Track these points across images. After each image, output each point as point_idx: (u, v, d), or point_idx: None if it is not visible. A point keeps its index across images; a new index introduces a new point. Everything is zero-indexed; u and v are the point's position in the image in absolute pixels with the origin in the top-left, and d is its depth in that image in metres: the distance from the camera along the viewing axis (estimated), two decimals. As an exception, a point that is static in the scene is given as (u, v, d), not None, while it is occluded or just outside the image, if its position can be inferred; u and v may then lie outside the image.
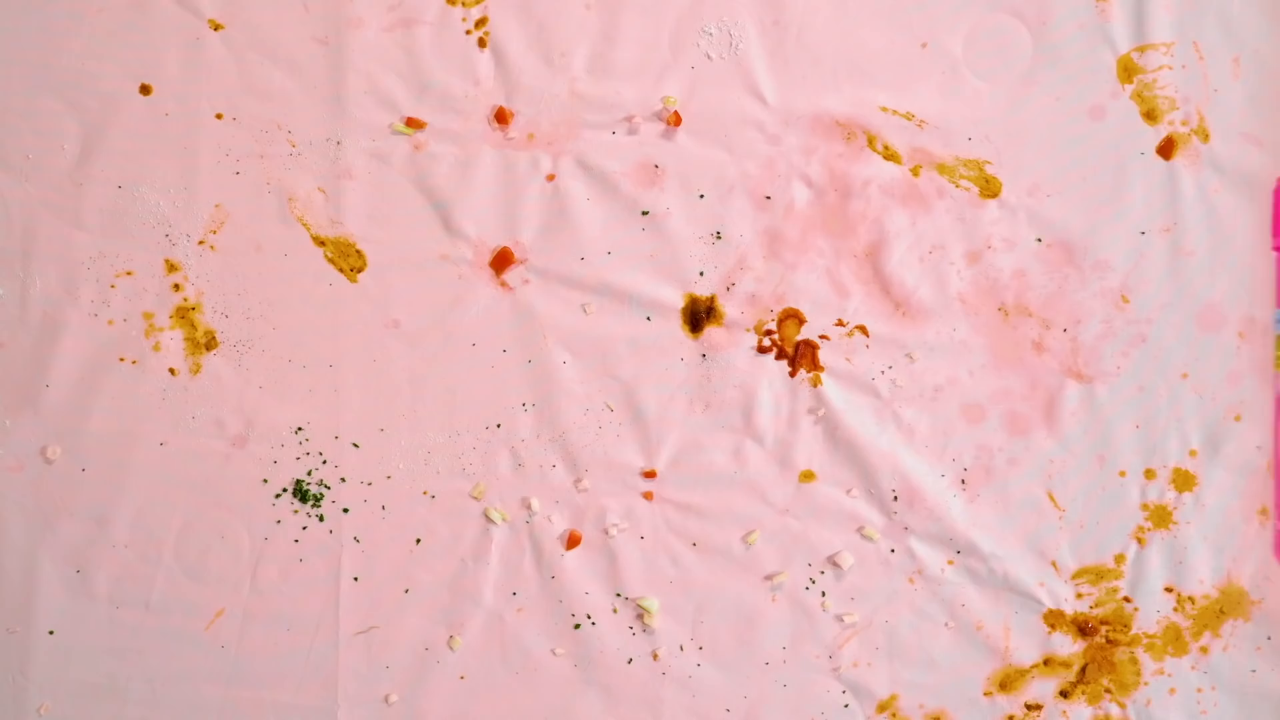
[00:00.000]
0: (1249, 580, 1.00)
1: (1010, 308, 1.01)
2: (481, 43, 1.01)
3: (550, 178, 1.01)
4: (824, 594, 1.00)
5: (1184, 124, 1.01)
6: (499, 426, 1.00)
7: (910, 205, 1.01)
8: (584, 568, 1.00)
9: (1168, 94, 1.00)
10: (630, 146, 1.01)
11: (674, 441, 1.00)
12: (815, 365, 1.00)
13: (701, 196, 1.01)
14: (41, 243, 1.00)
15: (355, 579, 1.00)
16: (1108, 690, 1.00)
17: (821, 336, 1.01)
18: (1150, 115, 1.01)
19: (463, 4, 1.01)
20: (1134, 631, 1.00)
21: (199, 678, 1.00)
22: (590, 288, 1.01)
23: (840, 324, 1.01)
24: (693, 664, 1.00)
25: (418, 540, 1.00)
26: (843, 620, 1.00)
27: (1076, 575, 1.00)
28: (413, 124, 1.00)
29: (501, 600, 1.00)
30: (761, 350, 1.01)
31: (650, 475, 1.00)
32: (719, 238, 1.01)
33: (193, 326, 1.00)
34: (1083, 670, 1.00)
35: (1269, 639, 1.00)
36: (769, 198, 1.01)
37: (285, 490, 1.00)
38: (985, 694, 1.00)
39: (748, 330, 1.01)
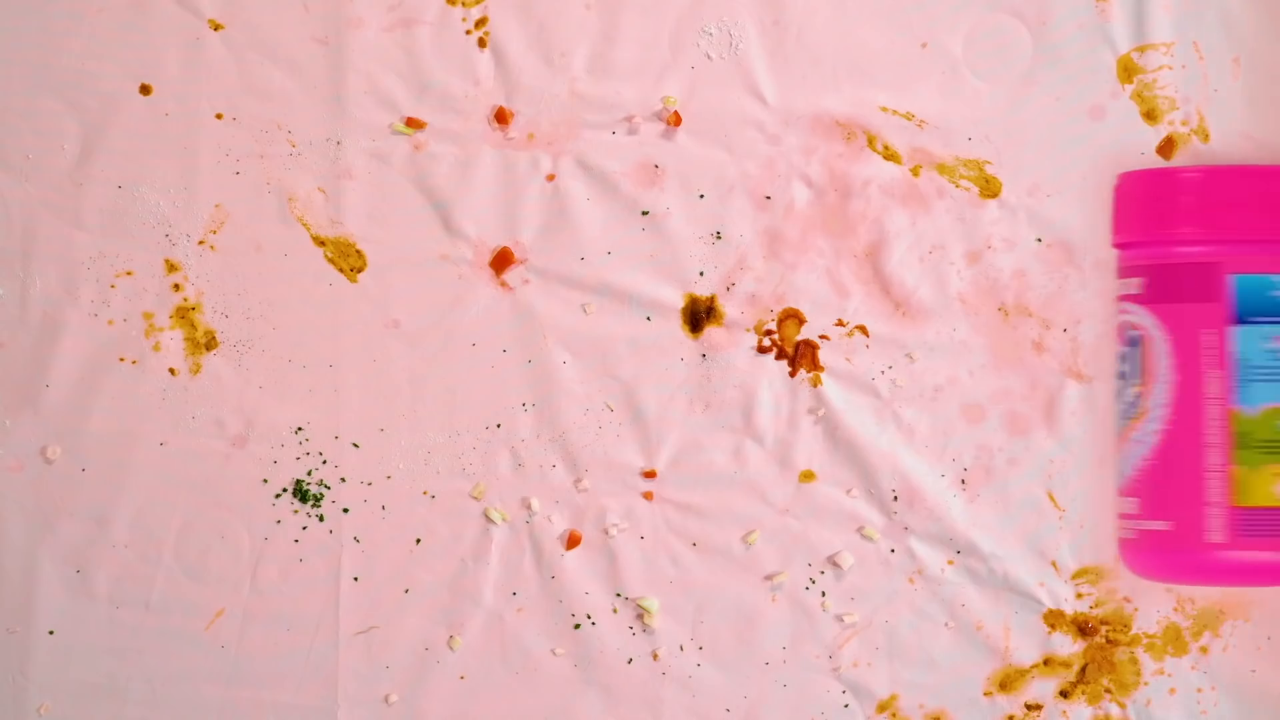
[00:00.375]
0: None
1: (1010, 308, 1.01)
2: (481, 43, 1.01)
3: (550, 178, 1.01)
4: (824, 594, 1.00)
5: (1184, 124, 1.01)
6: (499, 426, 1.00)
7: (910, 205, 1.01)
8: (584, 568, 1.00)
9: (1168, 94, 1.00)
10: (630, 146, 1.01)
11: (674, 441, 1.00)
12: (815, 365, 1.00)
13: (701, 196, 1.01)
14: (41, 243, 1.00)
15: (355, 579, 1.00)
16: (1108, 690, 1.00)
17: (821, 336, 1.00)
18: (1150, 115, 1.00)
19: (463, 4, 1.01)
20: (1134, 631, 1.00)
21: (199, 678, 1.00)
22: (590, 288, 1.00)
23: (840, 324, 1.01)
24: (693, 664, 1.00)
25: (418, 540, 1.00)
26: (843, 620, 1.00)
27: (1076, 575, 1.00)
28: (413, 124, 1.00)
29: (501, 600, 1.00)
30: (761, 350, 1.01)
31: (650, 475, 1.00)
32: (719, 238, 1.01)
33: (193, 326, 1.00)
34: (1083, 670, 1.00)
35: (1269, 639, 1.00)
36: (769, 198, 1.01)
37: (285, 490, 1.00)
38: (985, 694, 1.00)
39: (748, 330, 1.01)
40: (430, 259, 1.01)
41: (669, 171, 1.01)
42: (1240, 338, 0.95)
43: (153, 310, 1.00)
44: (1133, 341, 0.97)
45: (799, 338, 1.00)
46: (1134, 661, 1.00)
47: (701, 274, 1.01)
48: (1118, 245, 0.98)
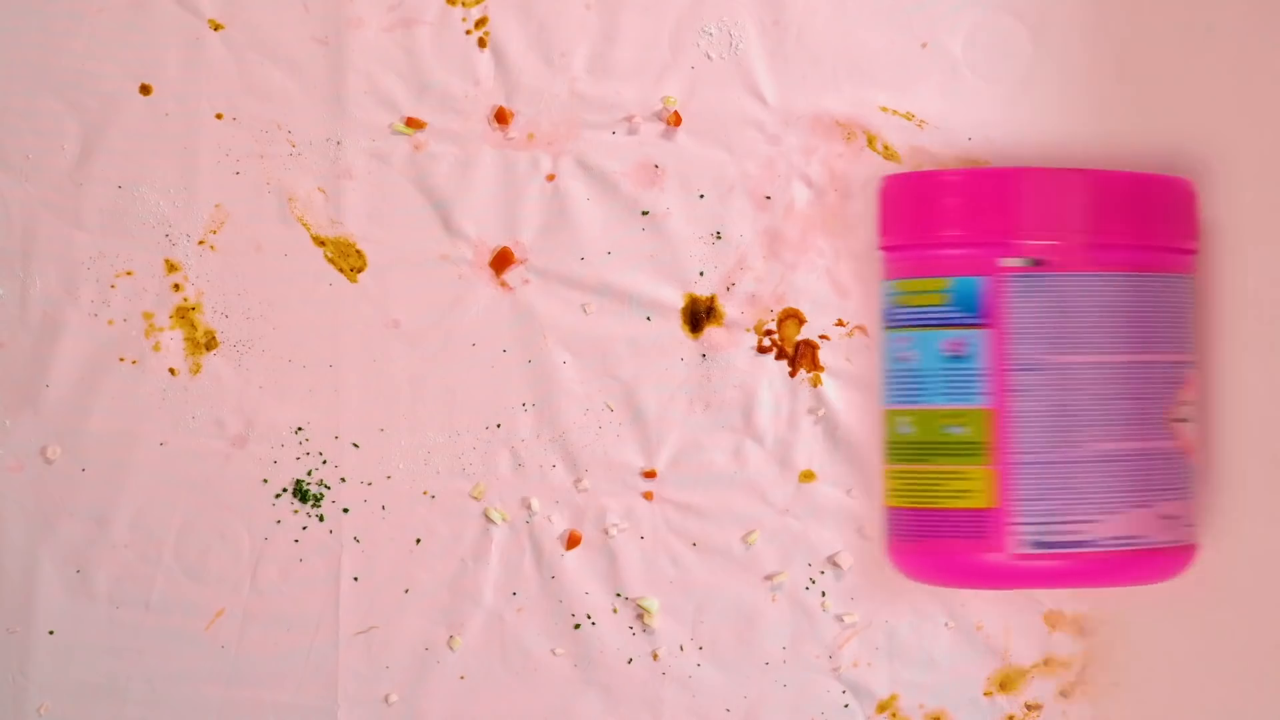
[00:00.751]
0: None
1: (1010, 308, 1.01)
2: (481, 43, 1.01)
3: (550, 178, 1.01)
4: (824, 594, 1.00)
5: (1184, 124, 1.01)
6: (499, 426, 1.00)
7: (910, 205, 1.00)
8: (584, 568, 1.00)
9: (1168, 94, 1.01)
10: (630, 146, 1.01)
11: (674, 441, 1.00)
12: (815, 365, 1.00)
13: (701, 196, 1.01)
14: (41, 243, 1.00)
15: (355, 579, 1.00)
16: (1109, 690, 1.00)
17: (821, 336, 1.00)
18: (1150, 115, 1.01)
19: (463, 4, 1.01)
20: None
21: (199, 678, 1.00)
22: (590, 288, 1.00)
23: (840, 324, 1.01)
24: (693, 664, 1.00)
25: (418, 540, 1.00)
26: (843, 620, 1.00)
27: (1076, 575, 1.00)
28: (413, 124, 1.00)
29: (501, 600, 1.00)
30: (761, 350, 1.01)
31: (650, 475, 1.00)
32: (719, 238, 1.01)
33: (193, 326, 1.00)
34: (1083, 670, 1.00)
35: (1266, 636, 1.00)
36: (769, 198, 1.01)
37: (285, 490, 1.00)
38: (985, 694, 1.00)
39: (748, 330, 1.01)
40: (430, 259, 1.01)
41: (669, 171, 1.01)
42: (883, 342, 0.97)
43: (153, 310, 1.00)
44: None
45: (799, 338, 1.00)
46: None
47: (701, 274, 1.01)
48: None
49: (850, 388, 1.00)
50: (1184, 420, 0.94)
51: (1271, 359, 0.99)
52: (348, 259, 1.01)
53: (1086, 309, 0.92)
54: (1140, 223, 0.93)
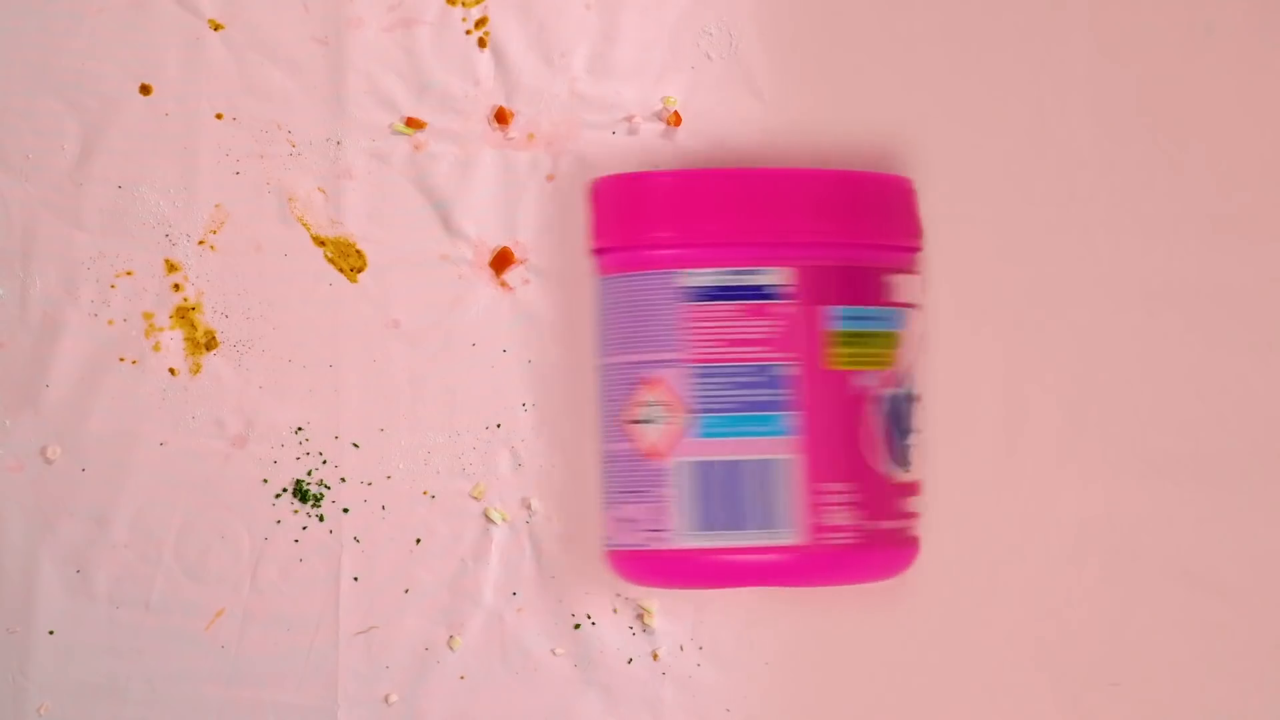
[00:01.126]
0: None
1: (1010, 308, 1.01)
2: (481, 43, 1.01)
3: (550, 178, 1.01)
4: (824, 594, 1.00)
5: (1184, 124, 1.01)
6: (499, 426, 1.00)
7: (910, 205, 1.01)
8: (584, 568, 1.00)
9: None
10: (630, 146, 1.01)
11: (674, 441, 1.00)
12: (815, 365, 1.00)
13: (701, 196, 1.01)
14: (41, 243, 1.00)
15: (355, 579, 1.00)
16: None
17: (821, 336, 1.01)
18: (1150, 115, 1.01)
19: (463, 4, 1.01)
20: (1134, 631, 1.00)
21: (199, 678, 1.00)
22: (590, 287, 1.00)
23: (840, 324, 1.01)
24: (693, 664, 1.00)
25: (418, 540, 1.00)
26: (843, 620, 1.00)
27: (1076, 575, 1.00)
28: (413, 124, 1.00)
29: (501, 600, 1.00)
30: (761, 350, 1.01)
31: (650, 475, 1.00)
32: (719, 238, 1.01)
33: (193, 326, 1.00)
34: (1083, 670, 1.00)
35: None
36: (769, 198, 1.01)
37: (285, 490, 1.00)
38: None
39: (748, 330, 1.01)
40: (430, 259, 1.01)
41: (669, 171, 1.01)
42: None
43: (153, 310, 1.00)
44: None
45: (799, 338, 1.00)
46: (1134, 661, 1.00)
47: (701, 274, 1.01)
48: None
49: (850, 388, 1.00)
50: (645, 422, 0.93)
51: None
52: (348, 259, 1.01)
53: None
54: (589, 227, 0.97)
